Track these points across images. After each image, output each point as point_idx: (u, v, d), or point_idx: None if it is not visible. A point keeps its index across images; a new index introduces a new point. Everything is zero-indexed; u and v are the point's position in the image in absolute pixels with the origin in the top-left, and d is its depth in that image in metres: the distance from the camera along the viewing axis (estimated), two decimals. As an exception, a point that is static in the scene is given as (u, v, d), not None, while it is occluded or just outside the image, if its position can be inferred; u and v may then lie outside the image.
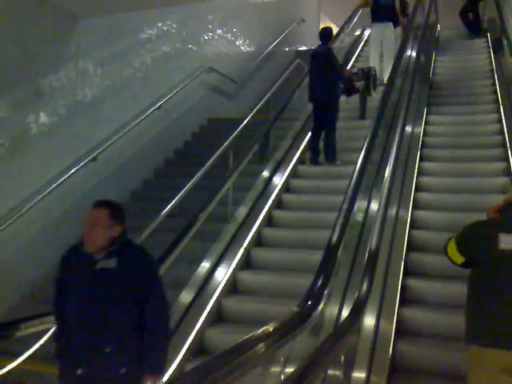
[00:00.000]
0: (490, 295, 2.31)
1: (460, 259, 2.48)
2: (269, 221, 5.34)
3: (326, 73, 6.18)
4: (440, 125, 6.77)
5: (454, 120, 6.79)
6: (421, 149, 5.93)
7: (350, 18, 10.56)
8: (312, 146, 6.30)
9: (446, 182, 5.46)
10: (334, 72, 6.22)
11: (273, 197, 5.51)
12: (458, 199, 5.06)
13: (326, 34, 6.47)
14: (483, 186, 5.23)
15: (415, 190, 5.14)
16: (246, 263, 4.76)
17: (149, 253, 2.64)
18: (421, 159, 5.77)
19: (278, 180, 5.81)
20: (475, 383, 2.27)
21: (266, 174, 5.89)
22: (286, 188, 5.88)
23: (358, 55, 10.01)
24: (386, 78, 7.63)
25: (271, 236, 5.12)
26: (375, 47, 8.66)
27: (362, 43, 10.45)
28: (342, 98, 6.70)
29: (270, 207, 5.39)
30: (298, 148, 6.50)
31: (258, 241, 5.06)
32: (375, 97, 7.10)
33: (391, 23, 8.54)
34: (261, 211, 5.24)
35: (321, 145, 6.26)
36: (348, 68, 8.63)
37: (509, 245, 2.26)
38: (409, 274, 4.11)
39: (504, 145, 5.72)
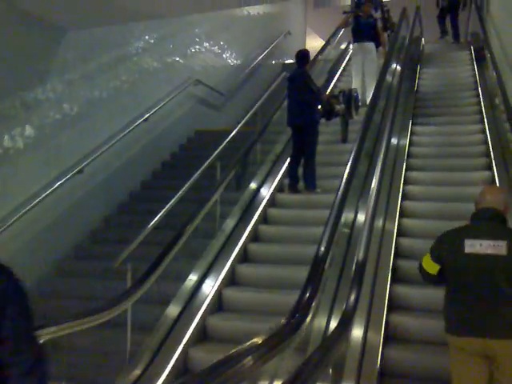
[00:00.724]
0: (459, 293, 2.69)
1: (435, 267, 2.76)
2: (244, 255, 5.00)
3: (303, 97, 5.93)
4: (425, 135, 6.91)
5: (438, 130, 6.99)
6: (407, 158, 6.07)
7: (336, 33, 10.53)
8: (291, 172, 6.02)
9: (432, 189, 5.57)
10: (312, 96, 5.97)
11: (249, 229, 5.16)
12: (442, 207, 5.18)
13: (302, 57, 6.16)
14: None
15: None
16: (218, 305, 4.38)
17: (16, 276, 1.83)
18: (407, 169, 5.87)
19: (255, 209, 5.47)
20: (454, 365, 2.71)
21: (242, 202, 5.52)
22: (264, 218, 5.56)
23: (343, 69, 10.05)
24: (368, 99, 7.35)
25: (245, 273, 4.75)
26: (357, 68, 8.36)
27: (348, 56, 10.54)
28: (322, 121, 6.50)
29: (245, 240, 5.02)
30: (277, 174, 6.20)
31: (232, 280, 4.68)
32: (357, 119, 6.79)
33: (373, 43, 8.27)
34: (235, 245, 4.88)
35: (300, 171, 5.98)
36: (332, 85, 8.64)
37: (470, 248, 2.62)
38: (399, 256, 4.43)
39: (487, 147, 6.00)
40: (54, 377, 3.72)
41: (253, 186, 5.87)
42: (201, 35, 8.66)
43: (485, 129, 6.45)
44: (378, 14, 9.67)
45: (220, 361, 1.91)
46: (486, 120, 6.60)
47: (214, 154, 6.30)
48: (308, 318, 2.70)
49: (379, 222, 4.50)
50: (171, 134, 7.72)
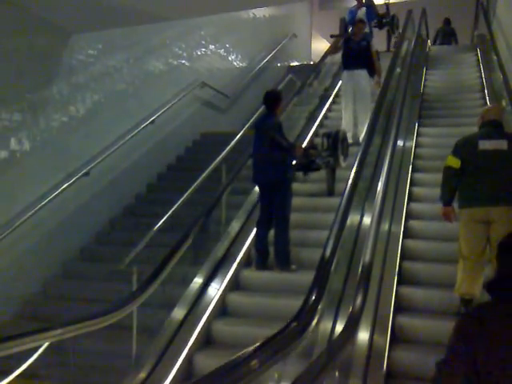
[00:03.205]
0: (473, 177, 3.74)
1: (457, 162, 3.78)
2: (189, 371, 3.71)
3: (269, 151, 4.71)
4: (432, 134, 6.88)
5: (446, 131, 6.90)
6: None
7: (324, 58, 9.29)
8: (258, 243, 4.75)
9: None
10: (280, 153, 4.74)
11: (199, 327, 3.92)
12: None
13: (269, 101, 4.93)
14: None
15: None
16: None
17: None
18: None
19: (212, 296, 4.19)
20: (463, 231, 3.77)
21: (195, 284, 4.27)
22: (222, 308, 4.28)
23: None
24: (361, 137, 6.44)
25: None
26: (347, 99, 7.09)
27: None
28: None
29: (191, 346, 3.78)
30: (245, 240, 4.93)
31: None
32: (345, 166, 5.63)
33: (366, 71, 6.99)
34: (179, 355, 3.69)
35: (272, 236, 4.74)
36: (322, 113, 7.88)
37: (483, 146, 3.75)
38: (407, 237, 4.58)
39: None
40: (59, 379, 3.75)
41: (212, 258, 4.63)
42: (206, 37, 8.68)
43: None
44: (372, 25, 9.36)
45: (223, 366, 1.90)
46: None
47: (219, 158, 6.28)
48: (314, 321, 2.69)
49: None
50: (177, 137, 7.73)
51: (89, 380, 3.83)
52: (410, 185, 5.37)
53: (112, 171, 6.29)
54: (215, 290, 4.28)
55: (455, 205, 3.89)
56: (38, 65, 5.38)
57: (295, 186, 5.27)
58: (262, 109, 6.56)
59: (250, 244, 4.92)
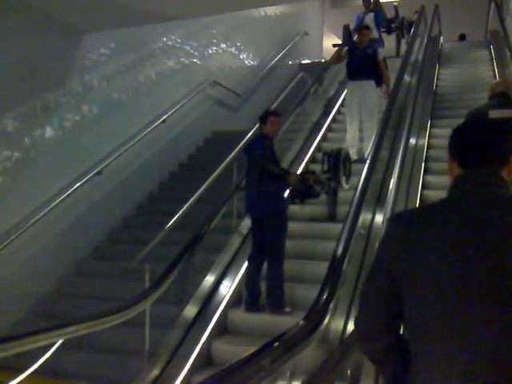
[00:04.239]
0: None
1: None
2: None
3: (259, 181, 4.32)
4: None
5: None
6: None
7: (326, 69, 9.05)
8: (248, 282, 4.30)
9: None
10: (273, 179, 4.33)
11: (180, 378, 3.56)
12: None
13: (259, 119, 4.64)
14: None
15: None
16: None
17: None
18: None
19: (193, 347, 3.77)
20: None
21: (175, 335, 3.91)
22: (207, 356, 3.86)
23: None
24: (366, 153, 5.94)
25: None
26: (352, 113, 6.50)
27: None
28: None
29: None
30: (236, 275, 4.52)
31: None
32: (348, 188, 5.26)
33: (372, 81, 6.40)
34: None
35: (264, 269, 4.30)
36: (329, 120, 7.54)
37: (493, 115, 4.07)
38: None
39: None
40: (74, 375, 3.79)
41: (197, 296, 4.24)
42: (218, 36, 8.69)
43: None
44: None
45: (236, 363, 1.90)
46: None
47: (230, 157, 6.28)
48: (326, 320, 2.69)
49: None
50: (188, 136, 7.75)
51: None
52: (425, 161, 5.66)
53: (124, 170, 6.33)
54: (198, 336, 3.89)
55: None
56: (50, 64, 5.42)
57: (292, 208, 4.86)
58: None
59: (239, 281, 4.49)
